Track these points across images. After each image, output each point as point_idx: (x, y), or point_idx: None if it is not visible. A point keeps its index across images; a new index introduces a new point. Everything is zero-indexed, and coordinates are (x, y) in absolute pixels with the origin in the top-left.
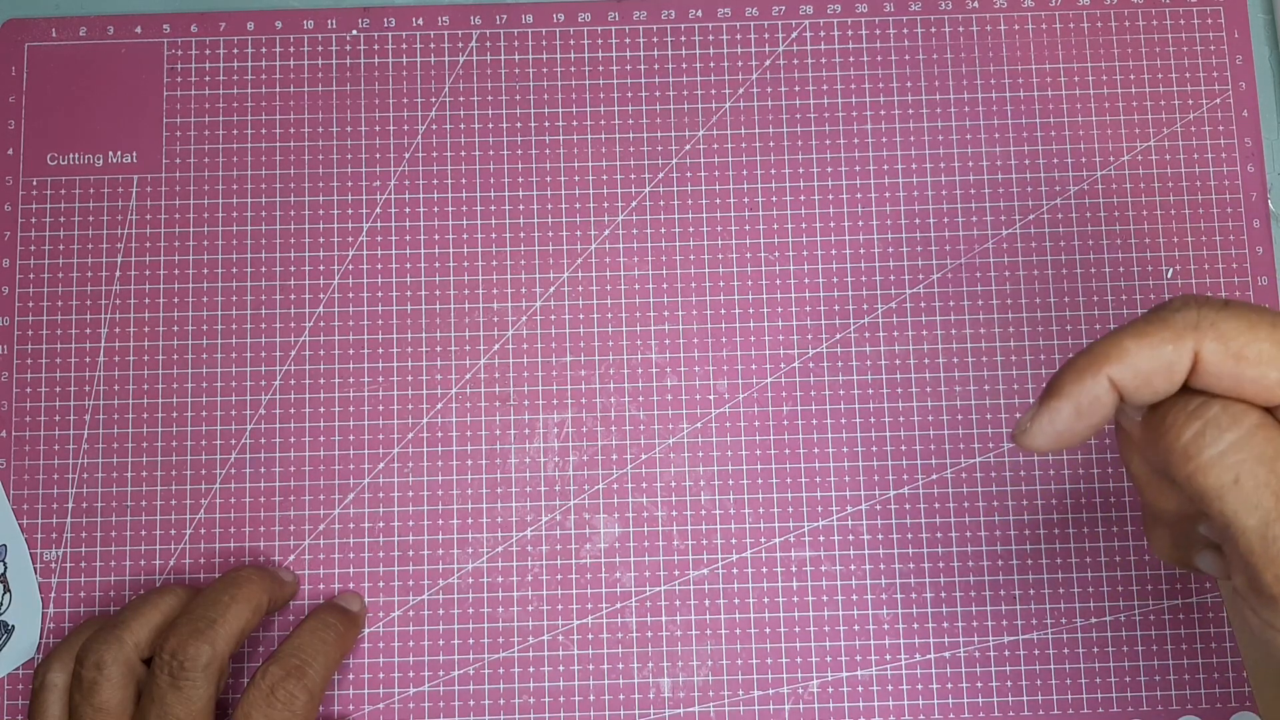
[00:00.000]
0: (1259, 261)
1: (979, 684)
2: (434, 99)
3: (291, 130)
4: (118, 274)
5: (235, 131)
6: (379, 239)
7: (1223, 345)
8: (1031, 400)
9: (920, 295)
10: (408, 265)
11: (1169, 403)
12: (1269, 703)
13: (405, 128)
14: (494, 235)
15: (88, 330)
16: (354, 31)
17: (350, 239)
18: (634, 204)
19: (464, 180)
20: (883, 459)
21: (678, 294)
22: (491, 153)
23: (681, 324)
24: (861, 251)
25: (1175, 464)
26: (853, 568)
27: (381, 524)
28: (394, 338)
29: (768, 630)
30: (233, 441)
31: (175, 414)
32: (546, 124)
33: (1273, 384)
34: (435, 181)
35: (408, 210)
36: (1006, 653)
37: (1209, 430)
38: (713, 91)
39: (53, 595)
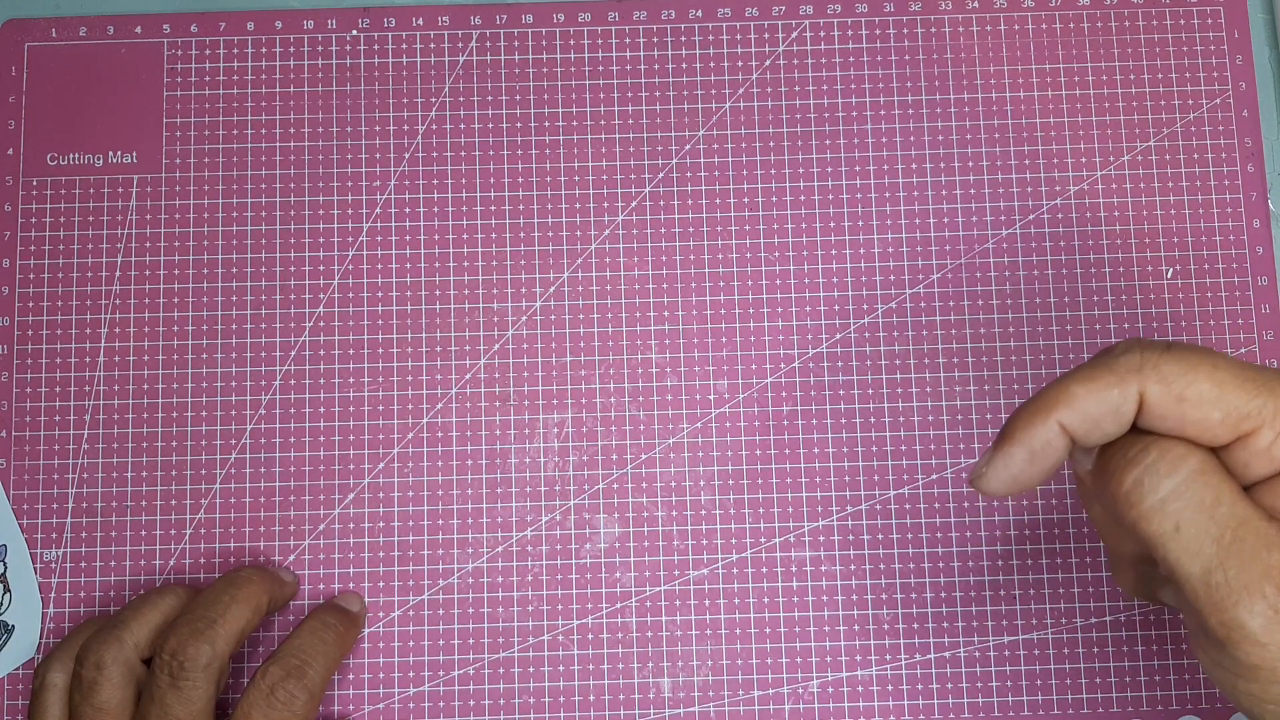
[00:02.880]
0: (1259, 261)
1: (979, 684)
2: (434, 99)
3: (291, 130)
4: (118, 274)
5: (235, 131)
6: (379, 239)
7: (1165, 387)
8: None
9: (920, 295)
10: (408, 265)
11: (1113, 448)
12: None
13: (405, 128)
14: (494, 235)
15: (88, 330)
16: (354, 31)
17: (350, 239)
18: (634, 204)
19: (464, 180)
20: (883, 459)
21: (678, 294)
22: (491, 153)
23: (681, 324)
24: (861, 251)
25: (1121, 511)
26: (853, 568)
27: (381, 524)
28: (394, 338)
29: (768, 630)
30: (233, 441)
31: (175, 414)
32: (546, 124)
33: (1214, 425)
34: (435, 181)
35: (408, 210)
36: (1006, 653)
37: (1148, 477)
38: (713, 91)
39: (53, 595)
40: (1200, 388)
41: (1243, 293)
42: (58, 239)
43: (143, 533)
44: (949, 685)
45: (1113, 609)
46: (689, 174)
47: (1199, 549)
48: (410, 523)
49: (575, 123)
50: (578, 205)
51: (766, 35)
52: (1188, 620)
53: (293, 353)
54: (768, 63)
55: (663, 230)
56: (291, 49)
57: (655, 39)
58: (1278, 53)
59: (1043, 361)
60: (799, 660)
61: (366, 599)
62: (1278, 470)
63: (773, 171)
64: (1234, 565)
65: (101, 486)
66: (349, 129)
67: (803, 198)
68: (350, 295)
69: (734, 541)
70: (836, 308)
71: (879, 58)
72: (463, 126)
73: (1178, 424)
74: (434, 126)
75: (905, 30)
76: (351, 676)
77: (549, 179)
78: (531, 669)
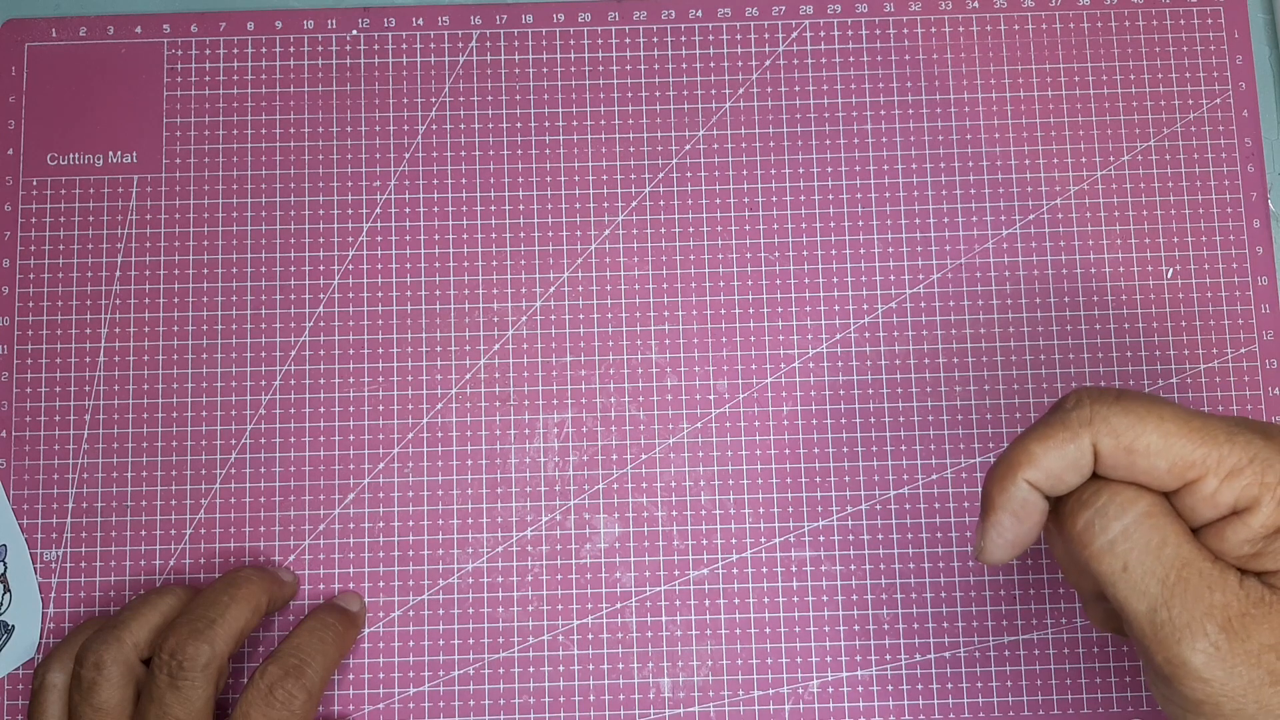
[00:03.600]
0: (1259, 261)
1: (979, 684)
2: (434, 99)
3: (291, 130)
4: (118, 274)
5: (235, 131)
6: (379, 239)
7: (1115, 440)
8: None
9: (920, 295)
10: (408, 265)
11: (1069, 492)
12: None
13: (405, 128)
14: (494, 235)
15: (88, 330)
16: (354, 31)
17: (350, 239)
18: (634, 204)
19: (464, 180)
20: (883, 459)
21: (678, 294)
22: (491, 153)
23: (681, 324)
24: (861, 251)
25: (1075, 550)
26: (853, 568)
27: (381, 524)
28: (394, 338)
29: (768, 630)
30: (233, 441)
31: (175, 414)
32: (546, 124)
33: (1161, 473)
34: (435, 181)
35: (408, 210)
36: (1006, 653)
37: (1098, 519)
38: (713, 91)
39: (53, 595)
40: (1148, 439)
41: (1243, 293)
42: (58, 239)
43: (143, 533)
44: (949, 685)
45: None
46: (689, 174)
47: (1145, 588)
48: (410, 523)
49: (575, 123)
50: (578, 205)
51: (766, 35)
52: (1140, 655)
53: (293, 353)
54: (768, 63)
55: (663, 230)
56: (291, 49)
57: (655, 39)
58: (1278, 53)
59: (1043, 361)
60: (799, 660)
61: (366, 599)
62: (1223, 514)
63: (773, 171)
64: (1178, 604)
65: (101, 486)
66: (349, 129)
67: (803, 198)
68: (350, 295)
69: (734, 541)
70: (836, 308)
71: (879, 58)
72: (463, 126)
73: (1128, 473)
74: (434, 126)
75: (905, 30)
76: (351, 676)
77: (549, 179)
78: (531, 669)
